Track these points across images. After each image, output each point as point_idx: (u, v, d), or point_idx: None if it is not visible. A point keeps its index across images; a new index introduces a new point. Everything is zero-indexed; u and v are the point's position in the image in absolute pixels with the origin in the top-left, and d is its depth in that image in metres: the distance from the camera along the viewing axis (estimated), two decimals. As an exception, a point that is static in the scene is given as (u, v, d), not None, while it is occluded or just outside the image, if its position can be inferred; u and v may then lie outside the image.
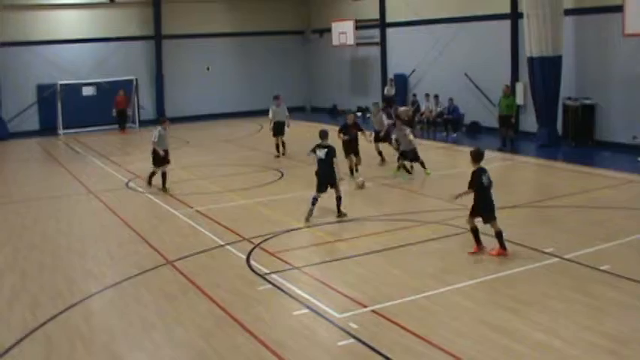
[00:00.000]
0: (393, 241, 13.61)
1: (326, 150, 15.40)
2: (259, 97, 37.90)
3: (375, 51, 35.49)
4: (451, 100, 28.98)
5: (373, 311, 10.08)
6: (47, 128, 34.60)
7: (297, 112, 39.04)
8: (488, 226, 12.57)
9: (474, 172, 12.49)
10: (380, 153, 22.15)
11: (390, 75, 34.38)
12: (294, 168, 21.86)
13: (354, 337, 9.19)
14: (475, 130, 28.92)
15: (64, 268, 13.16)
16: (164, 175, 19.33)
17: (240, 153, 25.62)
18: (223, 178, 20.20)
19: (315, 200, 15.37)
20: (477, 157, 12.59)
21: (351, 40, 35.48)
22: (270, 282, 11.56)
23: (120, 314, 10.67)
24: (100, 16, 36.18)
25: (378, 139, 22.05)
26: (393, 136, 21.20)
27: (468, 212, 12.68)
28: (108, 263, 13.44)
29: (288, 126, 24.68)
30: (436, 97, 30.21)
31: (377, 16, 34.74)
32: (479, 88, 28.86)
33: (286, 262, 12.58)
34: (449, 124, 28.67)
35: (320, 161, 15.48)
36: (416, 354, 8.68)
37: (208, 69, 38.88)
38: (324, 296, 10.83)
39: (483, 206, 12.45)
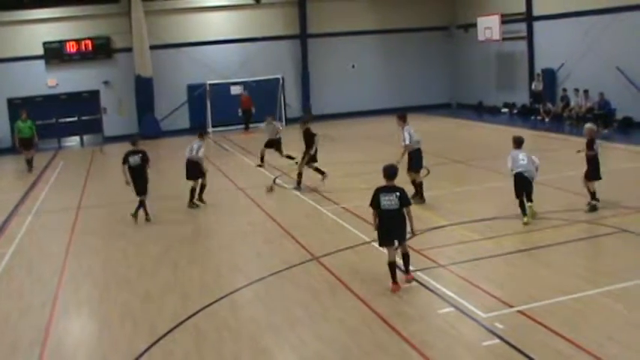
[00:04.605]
0: (540, 241, 13.35)
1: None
2: (404, 94, 37.99)
3: (522, 45, 34.69)
4: (602, 94, 28.04)
5: (519, 312, 9.96)
6: (197, 127, 35.92)
7: (443, 108, 38.89)
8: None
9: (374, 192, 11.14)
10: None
11: (538, 70, 33.60)
12: (441, 165, 21.68)
13: (500, 338, 9.13)
14: (628, 126, 27.80)
15: (213, 262, 13.75)
16: None
17: (385, 150, 25.64)
18: (369, 176, 20.24)
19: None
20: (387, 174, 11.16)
21: (496, 35, 34.81)
22: (415, 279, 11.62)
23: (266, 308, 11.04)
24: (246, 17, 37.42)
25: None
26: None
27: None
28: (255, 258, 13.93)
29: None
30: (586, 91, 29.35)
31: (523, 9, 33.94)
32: (632, 82, 27.68)
33: (432, 260, 12.62)
34: (599, 119, 27.72)
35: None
36: (563, 357, 8.53)
37: (353, 67, 39.26)
38: (470, 295, 10.80)
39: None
